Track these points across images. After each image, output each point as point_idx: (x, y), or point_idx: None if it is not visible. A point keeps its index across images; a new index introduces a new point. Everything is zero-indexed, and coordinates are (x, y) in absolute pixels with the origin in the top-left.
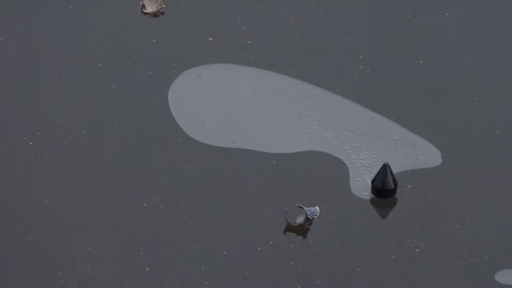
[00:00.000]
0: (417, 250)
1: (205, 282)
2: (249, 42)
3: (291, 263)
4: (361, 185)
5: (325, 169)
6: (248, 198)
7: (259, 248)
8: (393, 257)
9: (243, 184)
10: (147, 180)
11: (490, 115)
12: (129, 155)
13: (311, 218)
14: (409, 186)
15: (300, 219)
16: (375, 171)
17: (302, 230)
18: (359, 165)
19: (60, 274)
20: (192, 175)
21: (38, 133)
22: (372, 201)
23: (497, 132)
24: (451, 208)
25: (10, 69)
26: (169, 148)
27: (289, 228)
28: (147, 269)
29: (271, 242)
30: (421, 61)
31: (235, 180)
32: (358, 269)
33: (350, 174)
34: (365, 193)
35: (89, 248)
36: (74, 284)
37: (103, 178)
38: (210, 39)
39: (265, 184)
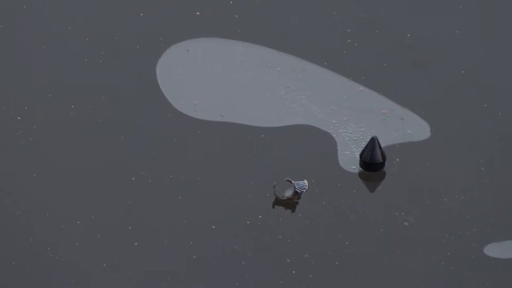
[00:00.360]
0: (405, 223)
1: (194, 257)
2: (236, 16)
3: (280, 237)
4: (349, 158)
5: (313, 142)
6: (236, 172)
7: (248, 222)
8: (381, 230)
9: (231, 158)
10: (135, 154)
11: (478, 88)
12: (116, 129)
13: (299, 191)
14: (397, 160)
15: (288, 193)
16: (363, 144)
17: (290, 203)
18: (347, 138)
19: (48, 248)
20: (180, 149)
21: (26, 108)
22: (360, 174)
23: (485, 105)
24: (439, 182)
25: None
26: (157, 122)
27: (278, 201)
28: (136, 244)
29: (260, 216)
30: (408, 35)
31: (223, 154)
32: (347, 243)
33: (338, 147)
34: (354, 167)
35: (78, 222)
36: (63, 259)
37: (91, 153)
38: (198, 13)
39: (253, 158)
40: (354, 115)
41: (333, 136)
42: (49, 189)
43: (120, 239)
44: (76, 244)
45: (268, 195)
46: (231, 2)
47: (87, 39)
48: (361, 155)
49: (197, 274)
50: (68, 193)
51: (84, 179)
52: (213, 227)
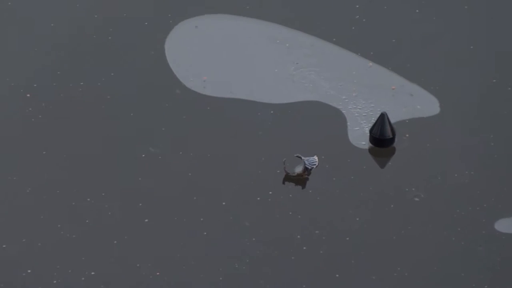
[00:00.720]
0: (416, 199)
1: (205, 233)
2: None
3: (290, 213)
4: (359, 134)
5: (323, 118)
6: (246, 149)
7: (258, 198)
8: (392, 206)
9: (241, 134)
10: (145, 131)
11: (488, 63)
12: (126, 106)
13: (309, 168)
14: (407, 135)
15: (298, 169)
16: (373, 120)
17: (300, 180)
18: (356, 114)
19: (59, 226)
20: (190, 125)
21: (35, 85)
22: (370, 150)
23: (494, 80)
24: (449, 157)
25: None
26: (166, 99)
27: (288, 178)
28: (146, 220)
29: (270, 192)
30: (417, 10)
31: (233, 131)
32: (357, 219)
33: (348, 123)
34: (363, 143)
35: (88, 199)
36: (74, 236)
37: (101, 129)
38: None
39: (263, 134)
40: (363, 91)
41: (343, 112)
42: (59, 167)
43: (130, 216)
44: (87, 221)
45: (278, 171)
46: None
47: (95, 16)
48: (370, 131)
49: (207, 250)
50: (77, 171)
51: (93, 156)
52: (223, 203)
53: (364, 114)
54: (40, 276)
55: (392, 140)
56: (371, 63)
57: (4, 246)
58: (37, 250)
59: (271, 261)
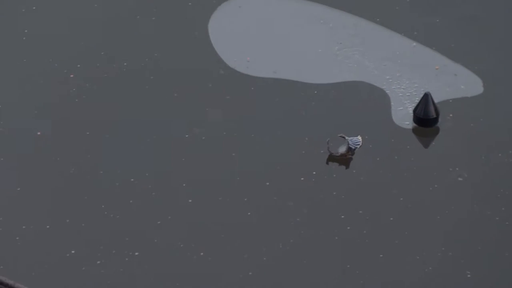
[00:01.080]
0: (460, 179)
1: (248, 213)
2: None
3: (334, 193)
4: (403, 114)
5: (367, 98)
6: (290, 129)
7: (302, 179)
8: (436, 186)
9: (284, 114)
10: (189, 111)
11: None
12: (169, 86)
13: (353, 148)
14: (451, 115)
15: (342, 149)
16: (417, 100)
17: (344, 160)
18: (400, 94)
19: (103, 206)
20: (234, 106)
21: (78, 66)
22: (414, 130)
23: None
24: (493, 136)
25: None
26: (210, 79)
27: (332, 158)
28: (190, 201)
29: (314, 173)
30: None
31: (277, 111)
32: (401, 199)
33: (392, 103)
34: (407, 123)
35: (132, 180)
36: (117, 217)
37: (146, 109)
38: None
39: (306, 115)
40: (407, 71)
41: (386, 92)
42: (102, 148)
43: (174, 196)
44: (131, 201)
45: (322, 151)
46: None
47: None
48: (414, 111)
49: (252, 230)
50: (121, 152)
51: (137, 137)
52: (267, 183)
53: (408, 94)
54: (83, 257)
55: (435, 119)
56: (415, 43)
57: (48, 227)
58: (81, 230)
59: (315, 241)
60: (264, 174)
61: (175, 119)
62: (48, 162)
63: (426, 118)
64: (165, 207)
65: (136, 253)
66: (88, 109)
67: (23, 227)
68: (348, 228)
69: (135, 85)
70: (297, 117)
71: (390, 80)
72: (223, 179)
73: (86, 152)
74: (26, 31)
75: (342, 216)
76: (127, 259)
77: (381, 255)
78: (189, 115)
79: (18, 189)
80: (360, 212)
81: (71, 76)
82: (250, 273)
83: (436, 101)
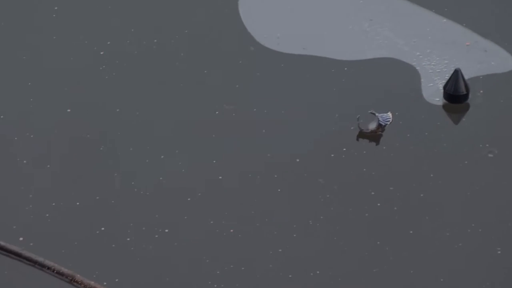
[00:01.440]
0: (490, 155)
1: (279, 190)
2: None
3: (364, 169)
4: (433, 90)
5: (397, 75)
6: (319, 105)
7: (332, 155)
8: (466, 162)
9: (314, 91)
10: (219, 88)
11: None
12: (200, 64)
13: (383, 124)
14: (481, 91)
15: (372, 126)
16: (447, 76)
17: (374, 136)
18: (430, 71)
19: (132, 183)
20: (264, 83)
21: (108, 43)
22: (444, 106)
23: None
24: None
25: None
26: (240, 56)
27: (362, 134)
28: (220, 177)
29: (344, 149)
30: None
31: (307, 87)
32: (431, 175)
33: (422, 80)
34: (437, 99)
35: (162, 157)
36: (147, 193)
37: (175, 87)
38: None
39: (336, 91)
40: (437, 47)
41: (417, 68)
42: (132, 124)
43: (204, 173)
44: (161, 178)
45: (352, 128)
46: None
47: None
48: (444, 87)
49: (282, 207)
50: (150, 128)
51: (166, 113)
52: (297, 160)
53: (438, 70)
54: (113, 234)
55: (466, 96)
56: (445, 20)
57: (77, 203)
58: (111, 207)
59: (345, 218)
60: (294, 151)
61: (205, 96)
62: (78, 139)
63: (456, 94)
64: (195, 184)
65: (166, 230)
66: (118, 86)
67: (53, 204)
68: (378, 204)
69: (165, 62)
70: (327, 94)
71: (420, 57)
72: (253, 156)
73: (116, 129)
74: (56, 8)
75: (372, 193)
76: (156, 236)
77: (411, 232)
78: (220, 92)
79: (48, 166)
80: (391, 188)
81: (101, 53)
82: (280, 250)
83: (466, 77)
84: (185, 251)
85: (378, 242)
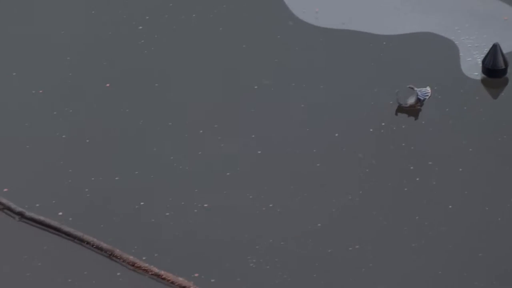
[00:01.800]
0: None
1: (318, 164)
2: None
3: (403, 144)
4: (471, 65)
5: (436, 49)
6: (358, 80)
7: (371, 130)
8: (505, 137)
9: (353, 65)
10: (257, 62)
11: None
12: (238, 38)
13: (422, 98)
14: None
15: (411, 100)
16: (486, 51)
17: (413, 111)
18: (469, 45)
19: (171, 158)
20: (302, 57)
21: (147, 17)
22: (482, 81)
23: None
24: None
25: None
26: (279, 31)
27: (400, 109)
28: (259, 152)
29: (383, 124)
30: None
31: (345, 62)
32: (470, 150)
33: (461, 54)
34: (476, 73)
35: (200, 131)
36: (186, 168)
37: (213, 61)
38: None
39: (375, 66)
40: (476, 22)
41: (455, 43)
42: (171, 99)
43: (243, 148)
44: (199, 153)
45: (391, 102)
46: None
47: None
48: (483, 62)
49: (321, 181)
50: (189, 103)
51: (206, 88)
52: (336, 135)
53: (476, 45)
54: (152, 209)
55: (504, 70)
56: (506, 17)
57: (116, 178)
58: (150, 182)
59: (383, 192)
60: (333, 125)
61: (244, 70)
62: (117, 114)
63: (494, 68)
64: (233, 159)
65: (205, 205)
66: (157, 61)
67: (92, 178)
68: (417, 179)
69: (204, 36)
70: (366, 68)
71: (459, 31)
72: (292, 131)
73: (154, 103)
74: None
75: (411, 167)
76: (196, 210)
77: (450, 206)
78: (258, 66)
79: (87, 140)
80: (429, 163)
81: (140, 28)
82: (319, 225)
83: (504, 51)
84: (224, 226)
85: (417, 217)
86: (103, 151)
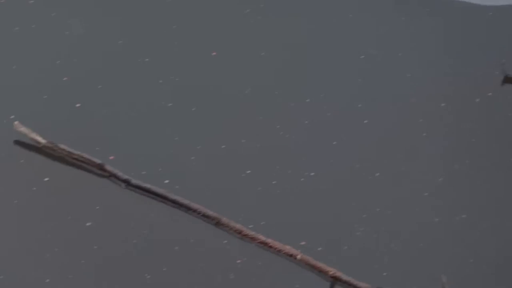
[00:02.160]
0: None
1: (424, 134)
2: None
3: (510, 114)
4: None
5: None
6: (464, 51)
7: (477, 100)
8: None
9: (461, 37)
10: (363, 33)
11: None
12: (345, 7)
13: None
14: None
15: None
16: None
17: None
18: None
19: (278, 126)
20: (408, 27)
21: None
22: None
23: None
24: None
25: None
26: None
27: (508, 79)
28: (365, 121)
29: (489, 94)
30: None
31: (451, 34)
32: None
33: None
34: None
35: (307, 100)
36: (293, 137)
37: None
38: None
39: (483, 36)
40: None
41: None
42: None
43: (350, 116)
44: (306, 122)
45: (496, 72)
46: None
47: None
48: None
49: (428, 151)
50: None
51: (314, 49)
52: (442, 104)
53: None
54: (259, 177)
55: None
56: None
57: (223, 146)
58: (256, 150)
59: (488, 165)
60: (437, 95)
61: (350, 40)
62: (224, 83)
63: None
64: (341, 128)
65: (312, 174)
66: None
67: (198, 147)
68: None
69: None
70: (472, 38)
71: None
72: (397, 102)
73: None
74: None
75: None
76: (302, 179)
77: None
78: (364, 37)
79: (193, 109)
80: None
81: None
82: (426, 194)
83: None
84: (330, 194)
85: None
86: (210, 119)
